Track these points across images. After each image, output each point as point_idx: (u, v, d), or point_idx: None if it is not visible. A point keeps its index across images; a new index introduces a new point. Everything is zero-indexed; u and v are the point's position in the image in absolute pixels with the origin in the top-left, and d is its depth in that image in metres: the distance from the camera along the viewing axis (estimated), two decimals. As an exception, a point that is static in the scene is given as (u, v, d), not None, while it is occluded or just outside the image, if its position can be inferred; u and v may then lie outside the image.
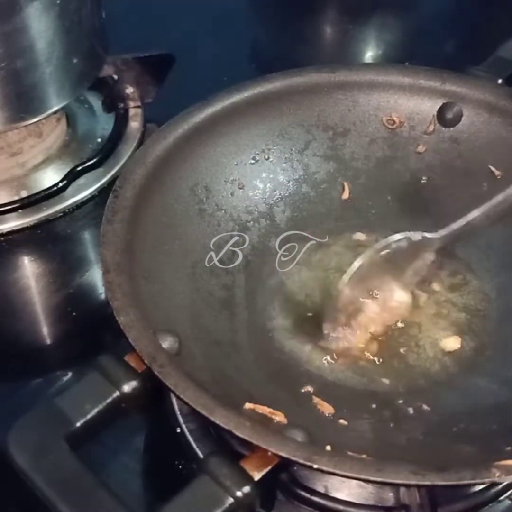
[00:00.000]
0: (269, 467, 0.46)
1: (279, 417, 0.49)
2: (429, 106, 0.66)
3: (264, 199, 0.66)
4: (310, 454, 0.44)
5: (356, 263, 0.57)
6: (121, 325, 0.50)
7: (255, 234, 0.64)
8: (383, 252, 0.58)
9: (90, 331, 0.66)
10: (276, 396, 0.54)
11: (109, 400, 0.49)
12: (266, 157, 0.66)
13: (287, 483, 0.55)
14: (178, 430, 0.58)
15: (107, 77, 0.80)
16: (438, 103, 0.65)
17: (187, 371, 0.49)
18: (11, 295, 0.70)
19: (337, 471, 0.44)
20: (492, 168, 0.64)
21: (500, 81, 0.69)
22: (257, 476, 0.46)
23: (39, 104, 0.71)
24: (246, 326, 0.59)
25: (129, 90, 0.80)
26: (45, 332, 0.69)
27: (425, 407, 0.55)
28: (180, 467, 0.57)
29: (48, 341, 0.69)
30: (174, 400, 0.59)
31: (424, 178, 0.66)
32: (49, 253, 0.73)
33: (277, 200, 0.66)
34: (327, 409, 0.54)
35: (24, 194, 0.74)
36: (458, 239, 0.60)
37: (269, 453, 0.45)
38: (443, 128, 0.66)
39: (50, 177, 0.76)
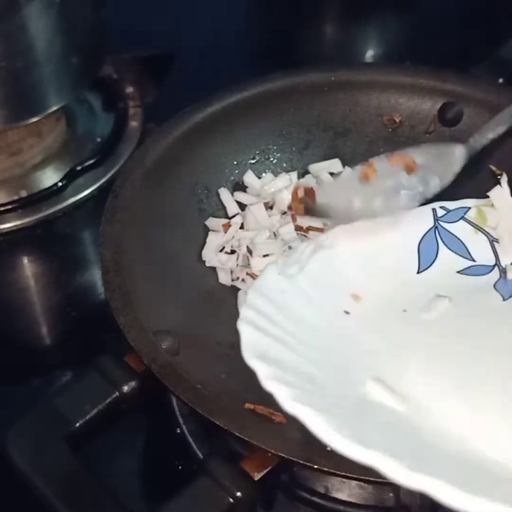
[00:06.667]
0: (269, 468, 0.46)
1: (279, 417, 0.49)
2: (430, 106, 0.66)
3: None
4: (310, 454, 0.44)
5: None
6: (121, 325, 0.50)
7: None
8: None
9: (90, 331, 0.66)
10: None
11: (108, 400, 0.49)
12: (266, 157, 0.66)
13: (287, 483, 0.54)
14: (178, 431, 0.58)
15: (107, 76, 0.80)
16: (439, 103, 0.65)
17: (187, 371, 0.49)
18: (10, 295, 0.70)
19: (337, 471, 0.44)
20: (493, 168, 0.64)
21: (500, 81, 0.69)
22: (257, 476, 0.46)
23: (38, 104, 0.71)
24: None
25: (129, 89, 0.80)
26: (45, 332, 0.69)
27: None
28: (180, 467, 0.57)
29: (48, 341, 0.69)
30: (174, 400, 0.59)
31: (424, 178, 0.66)
32: (48, 253, 0.73)
33: (277, 200, 0.66)
34: (327, 409, 0.54)
35: (23, 193, 0.74)
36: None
37: (269, 454, 0.45)
38: (444, 128, 0.66)
39: (49, 176, 0.75)
